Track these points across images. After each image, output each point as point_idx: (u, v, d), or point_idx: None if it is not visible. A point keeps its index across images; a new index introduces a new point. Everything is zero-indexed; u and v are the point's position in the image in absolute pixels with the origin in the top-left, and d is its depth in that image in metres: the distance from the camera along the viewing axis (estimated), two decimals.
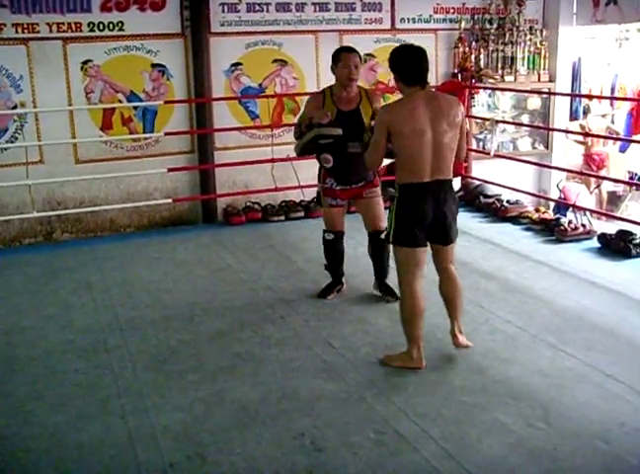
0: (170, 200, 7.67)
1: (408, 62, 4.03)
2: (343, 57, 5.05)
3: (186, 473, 3.27)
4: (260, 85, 8.08)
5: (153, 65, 7.57)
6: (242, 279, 5.89)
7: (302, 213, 7.89)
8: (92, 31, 7.23)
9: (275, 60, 8.11)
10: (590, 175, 10.02)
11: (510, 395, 3.85)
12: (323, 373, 4.16)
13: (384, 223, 4.86)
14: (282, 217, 7.81)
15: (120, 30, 7.35)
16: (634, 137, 10.40)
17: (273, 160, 7.72)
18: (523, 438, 3.45)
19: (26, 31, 6.99)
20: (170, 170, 7.50)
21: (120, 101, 7.50)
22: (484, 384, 4.00)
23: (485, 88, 8.75)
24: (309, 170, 7.95)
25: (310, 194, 7.95)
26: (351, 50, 5.13)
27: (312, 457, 3.35)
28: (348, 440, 3.47)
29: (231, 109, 7.99)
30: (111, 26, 7.29)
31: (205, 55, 7.69)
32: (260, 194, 7.92)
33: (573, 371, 4.15)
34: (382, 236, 4.89)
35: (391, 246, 4.25)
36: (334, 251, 5.40)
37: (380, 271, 5.34)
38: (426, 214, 4.03)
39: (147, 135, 7.64)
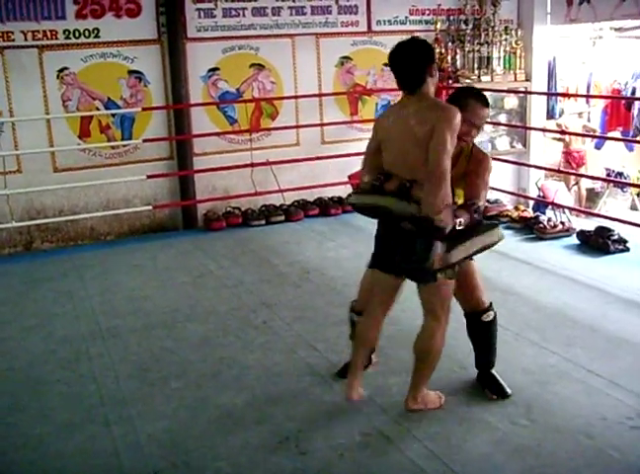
0: (150, 207, 7.65)
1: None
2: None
3: None
4: (237, 90, 8.08)
5: (130, 72, 7.55)
6: (224, 285, 5.88)
7: (283, 217, 7.88)
8: (68, 38, 7.19)
9: (252, 65, 8.11)
10: (568, 173, 10.09)
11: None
12: (307, 377, 4.17)
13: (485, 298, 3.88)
14: (263, 222, 7.81)
15: (96, 37, 7.32)
16: (609, 134, 10.50)
17: (252, 165, 7.74)
18: (507, 436, 3.48)
19: (0, 39, 6.95)
20: (149, 177, 7.48)
21: (97, 108, 7.47)
22: (467, 383, 4.02)
23: None
24: (289, 174, 8.01)
25: (290, 197, 7.99)
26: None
27: (298, 461, 3.35)
28: (333, 443, 3.47)
29: (209, 114, 7.98)
30: (86, 33, 7.26)
31: (182, 61, 7.68)
32: (240, 198, 7.92)
33: (555, 368, 4.19)
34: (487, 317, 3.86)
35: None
36: (353, 329, 4.03)
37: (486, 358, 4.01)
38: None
39: (126, 143, 7.62)
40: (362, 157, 3.69)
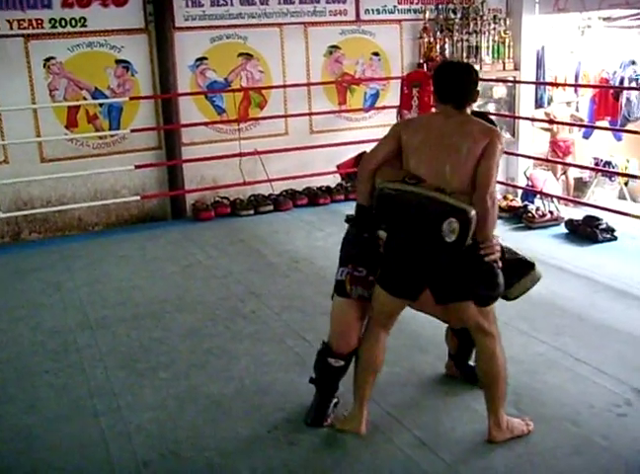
0: (138, 198, 7.61)
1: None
2: None
3: (160, 471, 3.25)
4: (226, 79, 8.05)
5: (117, 61, 7.49)
6: (212, 275, 5.87)
7: (271, 207, 7.88)
8: (54, 27, 7.13)
9: (240, 54, 8.07)
10: (556, 162, 10.11)
11: None
12: (296, 367, 4.16)
13: None
14: (252, 211, 7.79)
15: (83, 26, 7.26)
16: (597, 124, 10.52)
17: (240, 154, 7.72)
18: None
19: None
20: (137, 167, 7.44)
21: (84, 98, 7.42)
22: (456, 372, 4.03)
23: None
24: (277, 163, 7.99)
25: (279, 187, 7.98)
26: None
27: (287, 451, 3.35)
28: (322, 433, 3.48)
29: (197, 104, 7.95)
30: (73, 22, 7.20)
31: (170, 50, 7.64)
32: (228, 188, 7.91)
33: (544, 357, 4.20)
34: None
35: None
36: (334, 380, 3.59)
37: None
38: None
39: (113, 132, 7.57)
40: (370, 155, 3.38)
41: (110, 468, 3.28)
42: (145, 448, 3.42)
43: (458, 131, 3.18)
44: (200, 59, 7.90)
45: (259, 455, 3.32)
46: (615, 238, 6.40)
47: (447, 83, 3.31)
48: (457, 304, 3.22)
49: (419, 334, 4.35)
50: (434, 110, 3.57)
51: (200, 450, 3.38)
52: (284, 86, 8.22)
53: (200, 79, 7.94)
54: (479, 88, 3.38)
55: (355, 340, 3.45)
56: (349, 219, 3.50)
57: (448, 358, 3.99)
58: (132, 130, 7.49)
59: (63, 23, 7.17)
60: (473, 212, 3.00)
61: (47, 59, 7.20)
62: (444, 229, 2.98)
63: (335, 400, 3.61)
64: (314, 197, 8.10)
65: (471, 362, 3.78)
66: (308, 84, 8.36)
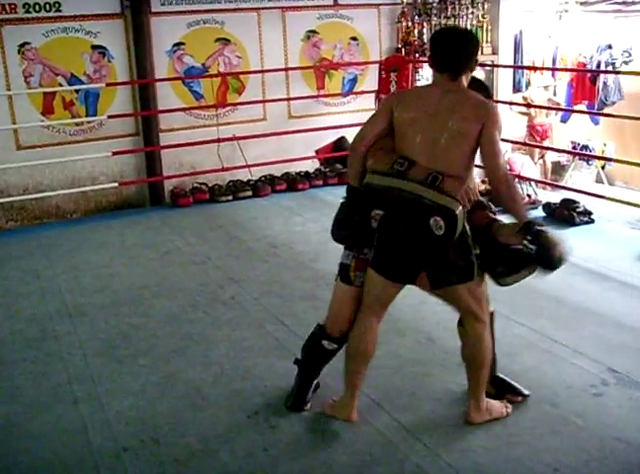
0: (116, 184, 7.58)
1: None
2: None
3: (140, 457, 3.25)
4: (203, 65, 8.01)
5: (93, 47, 7.43)
6: (191, 261, 5.85)
7: (250, 192, 7.86)
8: (28, 12, 7.06)
9: (217, 39, 8.03)
10: (534, 145, 10.15)
11: (462, 365, 3.88)
12: (275, 351, 4.18)
13: None
14: (230, 197, 7.77)
15: (58, 11, 7.19)
16: (575, 107, 10.56)
17: (219, 140, 7.70)
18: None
19: None
20: (115, 153, 7.40)
21: (60, 84, 7.36)
22: (435, 355, 4.06)
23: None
24: (256, 149, 7.97)
25: (258, 172, 7.96)
26: None
27: (267, 435, 3.36)
28: (302, 416, 3.49)
29: (175, 89, 7.90)
30: (47, 7, 7.13)
31: (147, 36, 7.58)
32: (207, 174, 7.88)
33: (522, 339, 4.24)
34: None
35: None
36: (323, 362, 3.61)
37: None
38: None
39: (90, 119, 7.52)
40: (360, 135, 3.24)
41: (90, 455, 3.27)
42: (125, 435, 3.41)
43: (453, 110, 3.03)
44: (178, 45, 7.85)
45: (239, 440, 3.33)
46: (592, 221, 6.45)
47: (444, 50, 3.14)
48: (450, 288, 3.20)
49: (397, 318, 4.36)
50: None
51: (179, 436, 3.38)
52: (262, 71, 8.18)
53: (178, 65, 7.89)
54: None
55: (349, 325, 3.41)
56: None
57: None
58: (109, 117, 7.44)
59: (37, 8, 7.09)
60: (459, 209, 2.92)
61: (22, 45, 7.12)
62: (432, 225, 2.94)
63: (315, 382, 3.61)
64: (293, 183, 8.08)
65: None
66: (286, 69, 8.33)
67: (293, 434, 3.35)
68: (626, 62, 10.24)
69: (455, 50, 3.12)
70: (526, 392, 3.60)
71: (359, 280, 3.32)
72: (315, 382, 3.62)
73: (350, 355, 3.40)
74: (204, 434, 3.40)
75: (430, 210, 2.94)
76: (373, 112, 3.37)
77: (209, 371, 3.99)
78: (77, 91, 7.43)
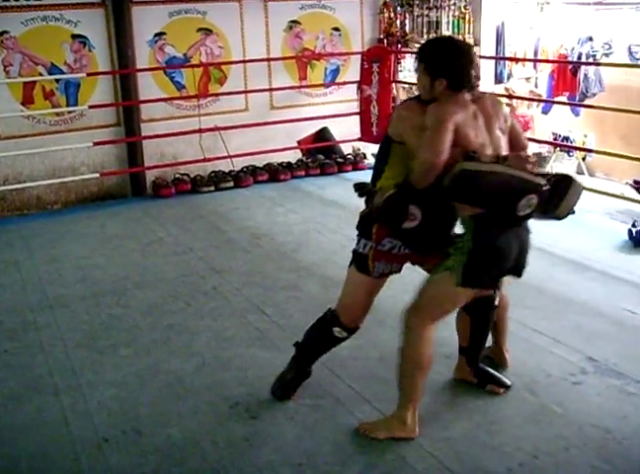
0: (97, 175, 7.53)
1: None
2: None
3: (121, 447, 3.25)
4: (185, 55, 7.97)
5: (74, 36, 7.37)
6: (173, 251, 5.84)
7: (232, 183, 7.84)
8: (7, 0, 6.97)
9: (199, 29, 7.99)
10: None
11: (443, 354, 3.88)
12: (257, 341, 4.19)
13: None
14: (212, 188, 7.75)
15: None
16: (556, 99, 10.60)
17: (200, 130, 7.68)
18: (456, 395, 3.54)
19: None
20: (96, 143, 7.36)
21: (40, 74, 7.29)
22: None
23: (411, 53, 8.78)
24: (237, 139, 7.95)
25: (240, 163, 7.94)
26: None
27: (248, 425, 3.37)
28: (283, 407, 3.50)
29: (156, 80, 7.86)
30: None
31: (128, 25, 7.53)
32: (189, 165, 7.86)
33: None
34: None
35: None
36: (328, 348, 3.55)
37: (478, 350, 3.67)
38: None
39: (71, 109, 7.47)
40: (436, 150, 2.93)
41: (71, 446, 3.27)
42: (106, 426, 3.41)
43: (493, 109, 3.11)
44: (159, 34, 7.80)
45: (220, 430, 3.34)
46: (573, 212, 6.45)
47: (473, 63, 3.06)
48: None
49: (377, 307, 4.33)
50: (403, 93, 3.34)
51: (161, 426, 3.38)
52: (244, 61, 8.15)
53: (159, 55, 7.85)
54: None
55: (364, 315, 3.38)
56: (361, 188, 3.34)
57: (459, 356, 3.68)
58: (90, 107, 7.40)
59: None
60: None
61: (1, 34, 7.05)
62: (522, 205, 2.94)
63: (309, 370, 3.57)
64: (275, 173, 8.07)
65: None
66: (268, 59, 8.31)
67: (275, 425, 3.36)
68: (607, 54, 10.28)
69: (478, 64, 3.14)
70: (508, 382, 3.62)
71: (377, 271, 3.24)
72: (309, 370, 3.57)
73: (419, 371, 3.18)
74: (186, 424, 3.40)
75: (526, 189, 2.96)
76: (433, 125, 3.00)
77: (191, 362, 3.99)
78: (57, 81, 7.37)
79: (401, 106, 3.35)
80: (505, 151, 3.09)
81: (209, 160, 7.79)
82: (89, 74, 7.39)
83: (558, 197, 3.21)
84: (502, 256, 3.07)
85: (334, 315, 3.40)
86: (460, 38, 8.11)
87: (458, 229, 3.18)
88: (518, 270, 3.23)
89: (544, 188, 2.99)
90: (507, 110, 3.21)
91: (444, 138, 2.93)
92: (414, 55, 3.76)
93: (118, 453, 3.21)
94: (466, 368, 3.65)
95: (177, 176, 7.84)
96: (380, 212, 3.12)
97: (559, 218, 3.36)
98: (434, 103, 3.03)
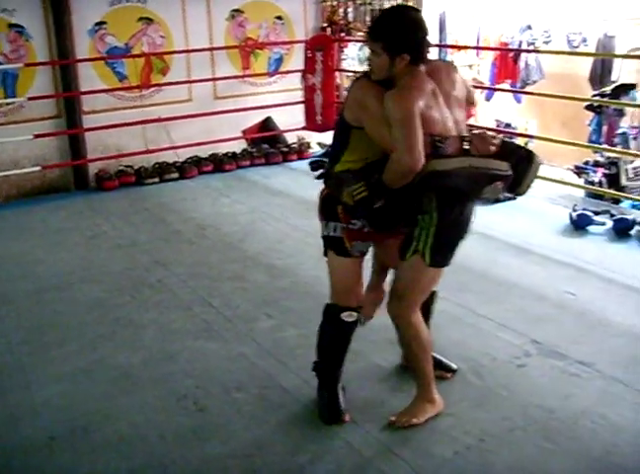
0: (39, 168, 7.39)
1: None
2: None
3: (69, 445, 3.20)
4: (126, 45, 7.84)
5: (10, 26, 7.18)
6: (118, 245, 5.77)
7: (177, 174, 7.76)
8: None
9: (140, 18, 7.86)
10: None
11: (388, 341, 3.90)
12: (204, 333, 4.17)
13: None
14: (157, 179, 7.66)
15: None
16: (498, 86, 10.75)
17: (144, 121, 7.58)
18: (403, 381, 3.55)
19: None
20: (36, 136, 7.21)
21: None
22: (361, 332, 4.08)
23: (354, 41, 8.81)
24: (182, 130, 7.88)
25: (184, 154, 7.87)
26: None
27: (196, 417, 3.36)
28: (231, 398, 3.50)
29: (98, 70, 7.72)
30: None
31: (66, 14, 7.37)
32: (132, 156, 7.75)
33: (447, 313, 4.29)
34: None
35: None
36: (347, 341, 3.39)
37: None
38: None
39: (9, 101, 7.29)
40: (415, 150, 2.85)
41: (18, 446, 3.21)
42: (54, 423, 3.37)
43: (448, 82, 3.04)
44: (99, 24, 7.66)
45: (168, 424, 3.32)
46: (515, 197, 6.56)
47: (426, 35, 2.97)
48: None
49: (324, 295, 4.26)
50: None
51: (109, 422, 3.35)
52: (187, 51, 8.07)
53: (100, 45, 7.71)
54: None
55: (361, 292, 3.33)
56: (319, 166, 3.33)
57: None
58: (30, 98, 7.24)
59: None
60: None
61: None
62: (488, 190, 2.99)
63: (341, 385, 3.40)
64: (220, 164, 8.02)
65: None
66: (211, 49, 8.23)
67: (223, 417, 3.36)
68: (546, 42, 10.47)
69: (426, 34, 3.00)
70: (454, 366, 3.67)
71: (355, 251, 3.18)
72: (340, 385, 3.40)
73: (426, 352, 3.24)
74: (133, 418, 3.37)
75: (495, 177, 2.99)
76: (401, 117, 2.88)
77: (138, 355, 3.95)
78: None
79: (356, 88, 3.10)
80: (464, 123, 3.06)
81: (153, 151, 7.71)
82: (27, 65, 7.22)
83: (520, 176, 3.19)
84: (464, 230, 3.13)
85: (335, 307, 3.32)
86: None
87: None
88: None
89: (509, 173, 3.02)
90: (459, 73, 3.14)
91: (418, 137, 2.85)
92: (358, 43, 3.69)
93: (66, 451, 3.17)
94: None
95: (120, 168, 7.73)
96: (353, 212, 3.09)
97: (520, 195, 3.38)
98: (394, 88, 2.91)
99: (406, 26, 2.94)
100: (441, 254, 3.11)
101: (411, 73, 2.94)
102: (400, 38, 2.91)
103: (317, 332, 3.44)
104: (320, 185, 3.27)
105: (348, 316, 3.28)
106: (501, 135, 3.18)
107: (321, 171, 3.31)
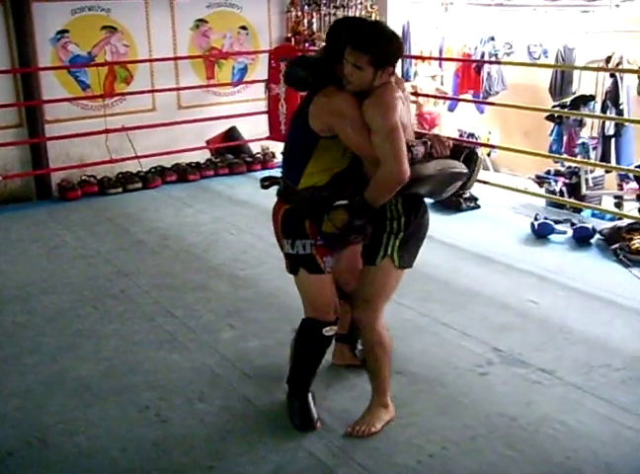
0: (0, 178, 7.28)
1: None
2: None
3: (26, 461, 3.15)
4: (89, 53, 7.77)
5: None
6: (80, 255, 5.70)
7: (140, 184, 7.68)
8: None
9: (103, 27, 7.81)
10: (423, 134, 10.37)
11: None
12: (166, 344, 4.13)
13: None
14: (120, 189, 7.58)
15: None
16: (461, 96, 10.86)
17: (107, 131, 7.51)
18: (366, 391, 3.54)
19: None
20: None
21: None
22: None
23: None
24: (145, 140, 7.82)
25: (147, 163, 7.81)
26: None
27: (159, 429, 3.33)
28: (193, 409, 3.47)
29: (60, 79, 7.65)
30: None
31: (28, 22, 7.28)
32: (95, 166, 7.66)
33: (411, 323, 4.33)
34: None
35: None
36: (324, 353, 3.40)
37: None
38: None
39: None
40: (404, 164, 2.88)
41: None
42: (11, 438, 3.30)
43: (402, 88, 3.14)
44: (62, 32, 7.59)
45: (129, 436, 3.28)
46: (478, 206, 6.64)
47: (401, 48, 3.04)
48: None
49: (287, 306, 4.37)
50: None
51: (68, 435, 3.30)
52: (151, 60, 8.02)
53: (62, 53, 7.64)
54: None
55: (336, 303, 3.27)
56: (270, 184, 3.36)
57: (337, 344, 3.67)
58: None
59: None
60: None
61: None
62: (449, 189, 3.20)
63: (310, 393, 3.38)
64: (183, 174, 7.97)
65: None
66: (175, 58, 8.20)
67: (185, 427, 3.33)
68: (508, 54, 10.61)
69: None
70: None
71: (328, 266, 3.13)
72: (310, 393, 3.38)
73: (388, 357, 3.27)
74: (94, 431, 3.33)
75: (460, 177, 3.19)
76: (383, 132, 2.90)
77: (99, 367, 3.90)
78: None
79: (328, 96, 3.00)
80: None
81: (116, 161, 7.64)
82: None
83: (469, 174, 3.32)
84: (427, 229, 3.24)
85: (314, 321, 3.24)
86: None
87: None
88: None
89: (467, 172, 3.20)
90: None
91: (404, 150, 2.90)
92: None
93: (23, 467, 3.12)
94: (347, 353, 3.74)
95: (83, 178, 7.65)
96: (331, 237, 3.05)
97: (468, 190, 3.67)
98: (371, 98, 2.91)
99: (390, 39, 2.97)
100: (409, 254, 3.19)
101: (386, 84, 2.97)
102: (387, 51, 2.94)
103: (292, 345, 3.44)
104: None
105: (329, 331, 3.25)
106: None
107: (276, 187, 3.31)
